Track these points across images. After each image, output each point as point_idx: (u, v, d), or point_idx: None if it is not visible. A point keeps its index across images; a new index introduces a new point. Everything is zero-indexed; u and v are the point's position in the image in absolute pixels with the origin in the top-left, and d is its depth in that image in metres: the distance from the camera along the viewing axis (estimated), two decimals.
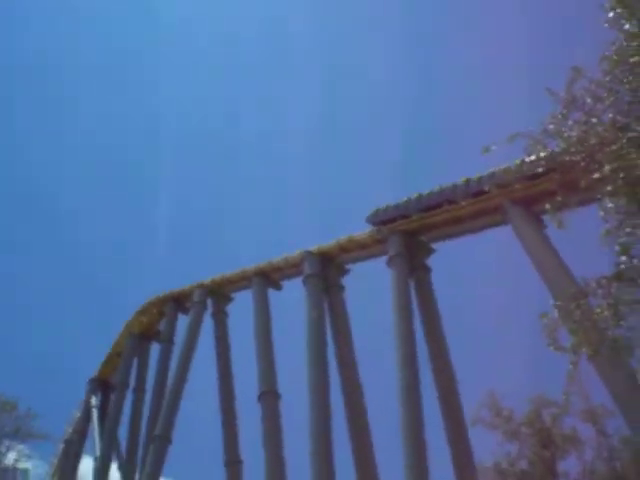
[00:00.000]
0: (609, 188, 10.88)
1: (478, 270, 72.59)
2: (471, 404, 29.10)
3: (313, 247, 47.07)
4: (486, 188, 35.81)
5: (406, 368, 38.93)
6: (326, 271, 46.40)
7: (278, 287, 50.64)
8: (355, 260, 47.08)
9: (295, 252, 48.15)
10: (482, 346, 69.11)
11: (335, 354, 44.44)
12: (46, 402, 73.39)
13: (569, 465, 21.15)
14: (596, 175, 10.83)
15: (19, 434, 26.85)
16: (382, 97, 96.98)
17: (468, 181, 39.87)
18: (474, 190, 39.27)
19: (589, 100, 12.14)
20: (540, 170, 13.12)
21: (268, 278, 49.76)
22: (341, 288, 46.87)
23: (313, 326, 43.86)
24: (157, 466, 46.30)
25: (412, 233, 43.50)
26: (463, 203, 40.49)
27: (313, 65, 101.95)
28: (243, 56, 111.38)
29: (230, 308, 53.28)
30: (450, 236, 43.83)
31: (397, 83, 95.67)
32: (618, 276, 11.35)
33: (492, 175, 37.82)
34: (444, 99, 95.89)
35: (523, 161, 16.02)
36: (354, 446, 41.65)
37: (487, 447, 24.09)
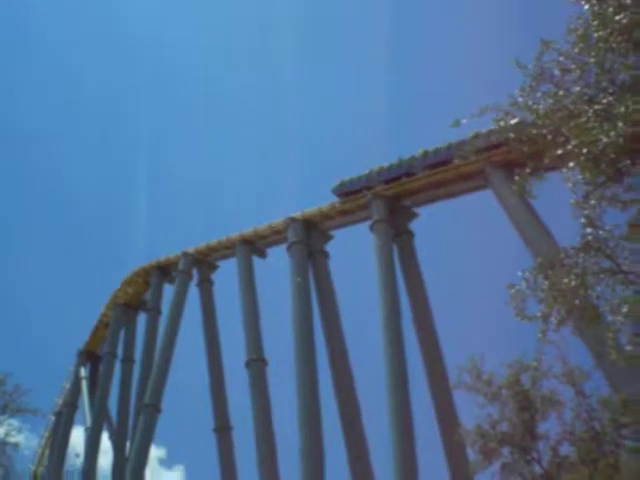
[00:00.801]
0: (572, 163, 11.05)
1: (461, 234, 72.87)
2: (453, 367, 29.65)
3: (297, 214, 47.23)
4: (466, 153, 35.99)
5: (390, 329, 39.45)
6: (310, 238, 46.64)
7: (263, 255, 50.82)
8: (339, 226, 47.37)
9: (279, 219, 48.34)
10: (464, 309, 69.76)
11: (320, 319, 44.78)
12: (35, 375, 73.92)
13: (549, 426, 21.56)
14: (560, 150, 10.97)
15: (8, 410, 27.00)
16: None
17: (450, 147, 40.21)
18: (453, 156, 39.65)
19: (557, 72, 12.26)
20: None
21: (253, 246, 49.93)
22: (325, 254, 47.11)
23: (297, 292, 44.15)
24: (147, 435, 46.65)
25: (395, 198, 43.81)
26: (445, 167, 41.02)
27: None
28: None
29: (216, 275, 53.62)
30: (432, 200, 44.16)
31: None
32: (585, 247, 11.55)
33: (473, 138, 38.03)
34: (417, 72, 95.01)
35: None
36: (341, 408, 42.13)
37: (469, 410, 24.58)
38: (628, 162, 10.64)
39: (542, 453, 21.92)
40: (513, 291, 12.16)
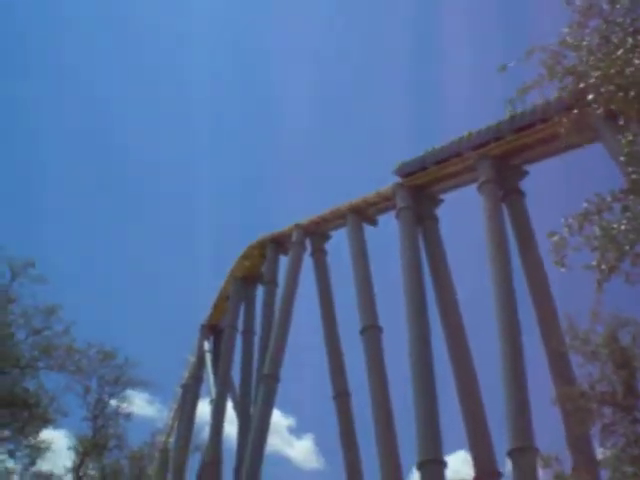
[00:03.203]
0: (592, 96, 10.26)
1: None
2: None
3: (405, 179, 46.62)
4: None
5: (502, 294, 38.48)
6: (419, 203, 46.01)
7: (373, 223, 50.54)
8: (447, 189, 46.54)
9: (387, 185, 47.90)
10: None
11: (433, 286, 44.28)
12: (162, 350, 76.69)
13: None
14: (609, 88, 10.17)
15: (119, 382, 28.28)
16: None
17: (534, 110, 38.77)
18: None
19: (606, 6, 11.43)
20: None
21: (362, 214, 49.74)
22: (435, 219, 46.44)
23: (407, 260, 43.72)
24: (267, 404, 47.45)
25: (503, 157, 42.59)
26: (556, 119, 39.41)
27: None
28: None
29: (330, 245, 53.83)
30: (542, 157, 42.70)
31: None
32: (633, 188, 10.71)
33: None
34: None
35: None
36: (455, 372, 41.65)
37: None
38: None
39: None
40: (555, 238, 11.46)
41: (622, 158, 10.71)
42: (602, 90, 9.92)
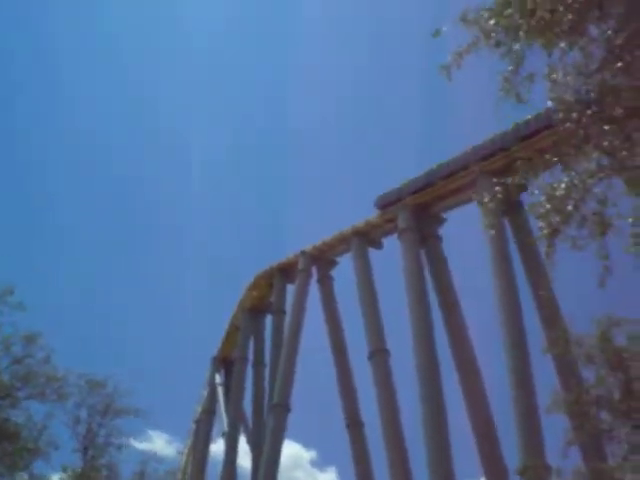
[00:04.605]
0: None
1: None
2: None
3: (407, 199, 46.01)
4: None
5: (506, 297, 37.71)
6: (421, 223, 45.36)
7: (379, 245, 49.89)
8: (450, 207, 45.84)
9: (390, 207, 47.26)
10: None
11: (439, 305, 43.55)
12: (174, 387, 76.07)
13: None
14: None
15: (110, 410, 27.74)
16: None
17: (537, 118, 38.15)
18: None
19: None
20: None
21: (367, 237, 49.14)
22: (438, 238, 45.75)
23: (411, 280, 43.02)
24: (278, 434, 46.58)
25: (502, 171, 41.84)
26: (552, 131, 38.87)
27: None
28: None
29: (337, 271, 53.18)
30: (546, 168, 41.90)
31: None
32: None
33: None
34: None
35: None
36: (465, 390, 40.85)
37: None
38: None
39: None
40: None
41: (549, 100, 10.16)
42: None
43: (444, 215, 46.43)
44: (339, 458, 78.26)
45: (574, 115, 10.50)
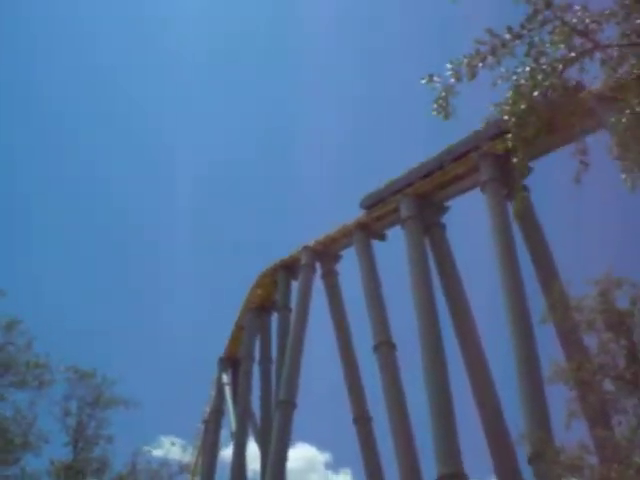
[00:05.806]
0: None
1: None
2: None
3: (408, 189, 45.27)
4: None
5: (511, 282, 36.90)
6: (424, 212, 44.61)
7: (382, 237, 49.15)
8: (452, 195, 45.08)
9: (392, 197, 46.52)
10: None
11: (444, 295, 42.79)
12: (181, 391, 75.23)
13: None
14: None
15: (100, 402, 27.10)
16: None
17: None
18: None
19: None
20: None
21: (370, 229, 48.40)
22: (441, 227, 45.01)
23: (415, 270, 42.28)
24: (285, 431, 45.80)
25: (505, 155, 41.07)
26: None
27: None
28: None
29: (342, 265, 52.42)
30: (547, 152, 41.09)
31: None
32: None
33: None
34: None
35: None
36: (472, 382, 40.00)
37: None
38: None
39: None
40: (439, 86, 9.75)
41: None
42: None
43: (447, 204, 45.80)
44: (354, 460, 76.87)
45: None
